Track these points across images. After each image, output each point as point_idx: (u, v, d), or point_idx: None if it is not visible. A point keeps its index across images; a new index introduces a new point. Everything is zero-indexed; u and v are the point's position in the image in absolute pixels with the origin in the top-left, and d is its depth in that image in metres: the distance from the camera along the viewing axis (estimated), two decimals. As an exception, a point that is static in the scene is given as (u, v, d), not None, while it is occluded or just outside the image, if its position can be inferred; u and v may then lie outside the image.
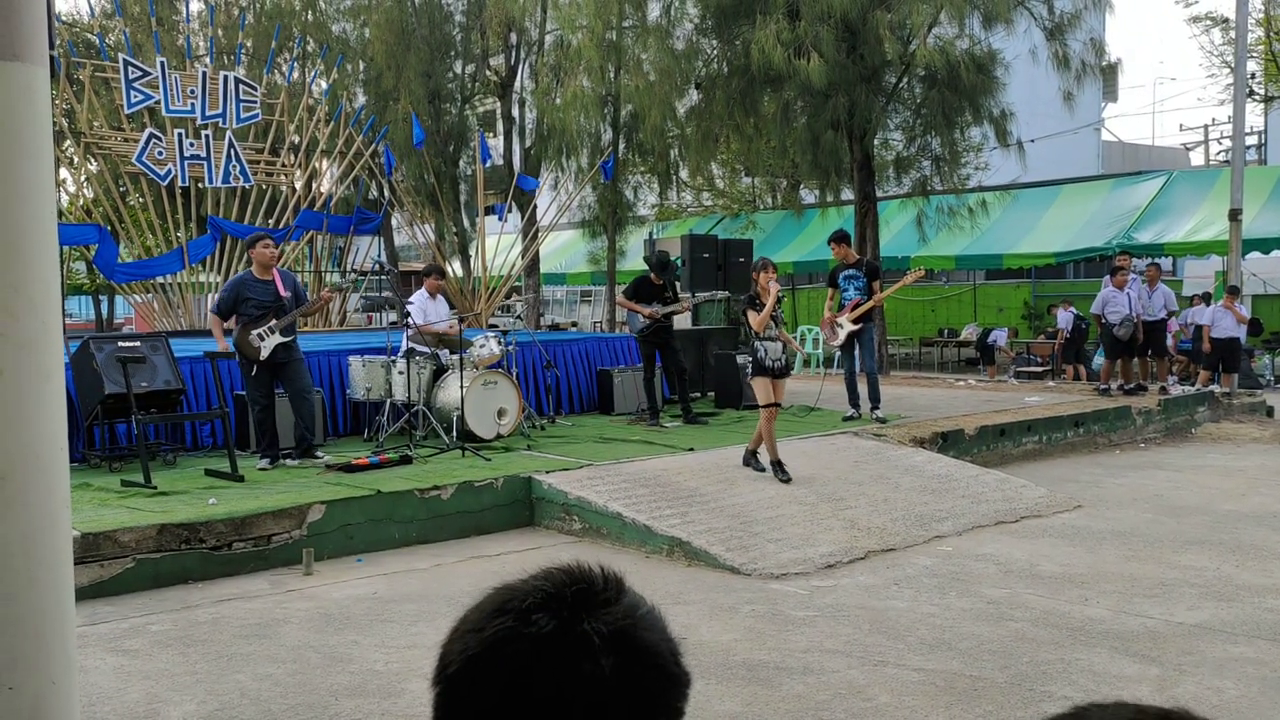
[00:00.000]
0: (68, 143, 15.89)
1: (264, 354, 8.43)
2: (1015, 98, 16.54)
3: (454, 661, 0.94)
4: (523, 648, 0.92)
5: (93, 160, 15.39)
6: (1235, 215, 14.92)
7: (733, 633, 5.46)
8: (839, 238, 11.29)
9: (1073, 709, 0.87)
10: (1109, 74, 17.53)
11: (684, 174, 22.48)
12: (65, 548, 1.93)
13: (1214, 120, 36.32)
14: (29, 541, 1.84)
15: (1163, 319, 13.60)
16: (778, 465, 8.35)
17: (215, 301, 8.78)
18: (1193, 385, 14.88)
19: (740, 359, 12.42)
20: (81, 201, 15.79)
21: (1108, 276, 13.74)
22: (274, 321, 8.46)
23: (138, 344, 8.90)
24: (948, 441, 10.19)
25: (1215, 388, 14.50)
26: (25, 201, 1.81)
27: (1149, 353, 13.77)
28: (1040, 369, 18.00)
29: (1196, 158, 36.12)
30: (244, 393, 9.23)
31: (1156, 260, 15.89)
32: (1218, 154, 34.40)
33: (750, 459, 8.57)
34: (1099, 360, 16.60)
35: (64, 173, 16.39)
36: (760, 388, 8.37)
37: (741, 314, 8.64)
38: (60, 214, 15.86)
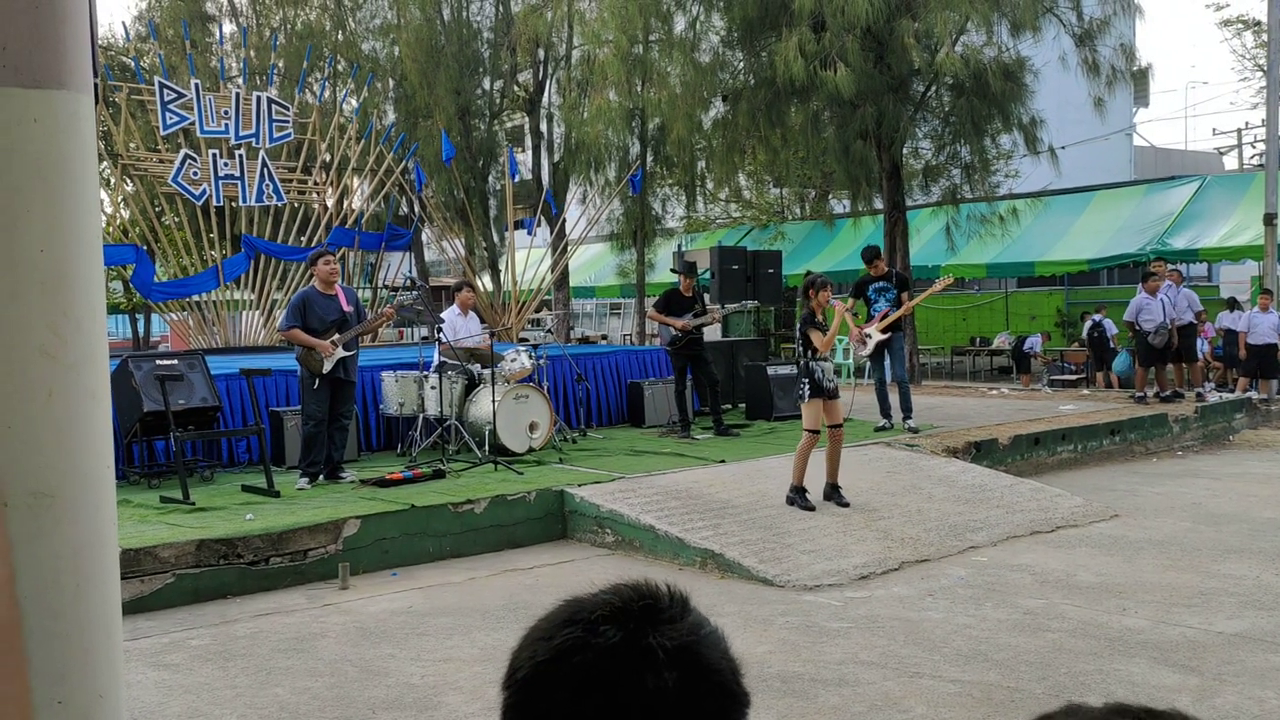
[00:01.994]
0: (104, 164, 16.15)
1: (327, 367, 8.48)
2: (1046, 104, 16.43)
3: (523, 667, 0.98)
4: (589, 657, 0.95)
5: (129, 181, 15.65)
6: (1270, 220, 14.75)
7: (767, 644, 5.44)
8: (875, 255, 11.18)
9: (1064, 706, 0.89)
10: (1140, 79, 17.40)
11: (710, 186, 22.51)
12: (112, 563, 1.97)
13: (1247, 124, 35.81)
14: (77, 557, 1.88)
15: (1190, 322, 13.44)
16: (824, 491, 8.07)
17: (284, 319, 8.79)
18: (1230, 391, 14.70)
19: (769, 370, 12.42)
20: (119, 222, 16.03)
21: (1141, 284, 13.61)
22: (336, 336, 8.55)
23: (175, 362, 9.02)
24: (981, 451, 10.12)
25: (1253, 394, 14.31)
26: (72, 227, 1.86)
27: (1179, 358, 13.64)
28: (1074, 376, 17.83)
29: (1230, 162, 35.69)
30: (280, 409, 9.31)
31: (1177, 266, 15.73)
32: (1251, 158, 33.97)
33: (810, 495, 7.97)
34: (1120, 364, 16.43)
35: (101, 194, 16.65)
36: (812, 411, 7.82)
37: (800, 334, 8.02)
38: (98, 235, 16.08)
